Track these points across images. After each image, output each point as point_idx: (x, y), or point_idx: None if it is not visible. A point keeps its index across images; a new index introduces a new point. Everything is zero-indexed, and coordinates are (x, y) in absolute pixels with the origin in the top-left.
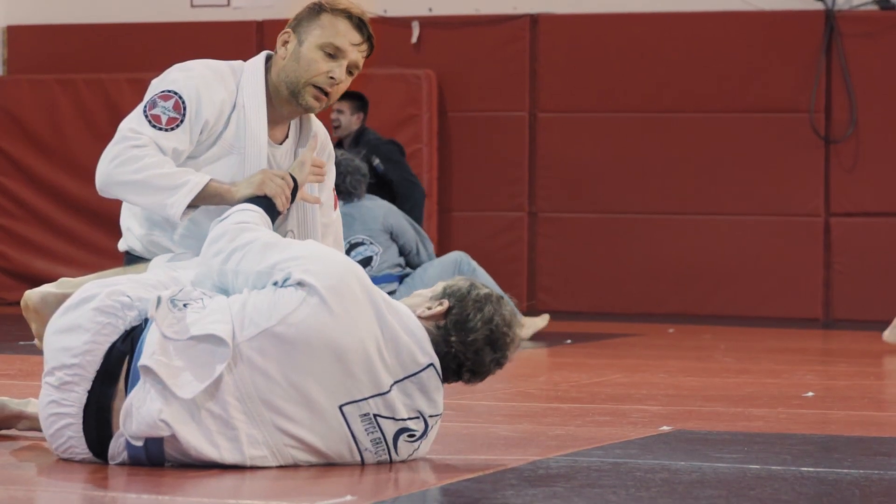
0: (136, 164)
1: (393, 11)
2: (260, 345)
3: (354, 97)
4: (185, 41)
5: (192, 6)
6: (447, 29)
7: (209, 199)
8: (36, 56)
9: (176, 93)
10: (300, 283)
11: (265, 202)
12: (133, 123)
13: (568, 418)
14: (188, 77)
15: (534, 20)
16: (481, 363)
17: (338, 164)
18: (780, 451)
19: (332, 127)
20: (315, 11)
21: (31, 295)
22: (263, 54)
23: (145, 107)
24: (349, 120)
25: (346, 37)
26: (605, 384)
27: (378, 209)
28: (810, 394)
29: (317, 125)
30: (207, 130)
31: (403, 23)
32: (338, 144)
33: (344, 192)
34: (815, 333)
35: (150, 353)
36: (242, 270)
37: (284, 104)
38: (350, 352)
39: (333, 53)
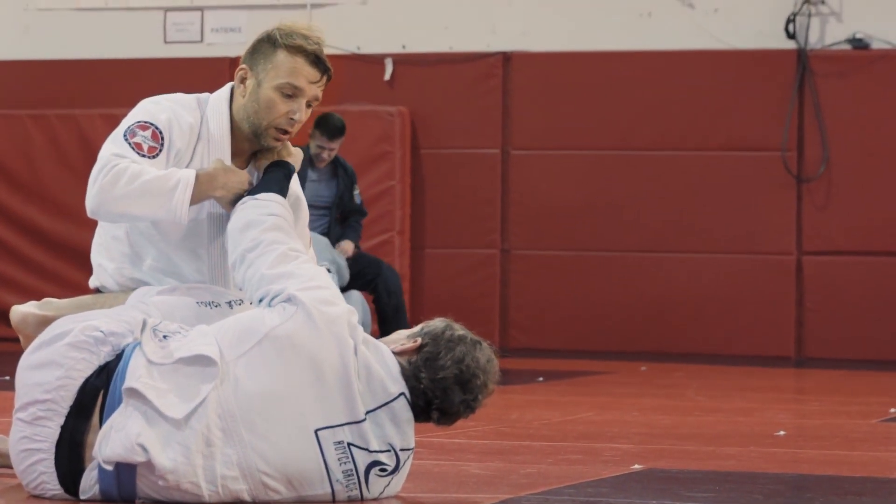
0: (125, 177)
1: (366, 48)
2: (247, 361)
3: (342, 131)
4: (158, 77)
5: (166, 42)
6: (420, 66)
7: (205, 191)
8: (9, 91)
9: (152, 123)
10: (290, 300)
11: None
12: (115, 149)
13: (540, 456)
14: (159, 109)
15: (507, 58)
16: (450, 403)
17: None
18: (751, 491)
19: (318, 159)
20: (270, 46)
21: (14, 313)
22: (228, 86)
23: (125, 134)
24: (335, 153)
25: (304, 75)
26: (577, 422)
27: (323, 240)
28: (782, 432)
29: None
30: (177, 158)
31: (377, 60)
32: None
33: None
34: (788, 372)
35: (136, 376)
36: (254, 265)
37: (245, 140)
38: (329, 371)
39: (292, 94)
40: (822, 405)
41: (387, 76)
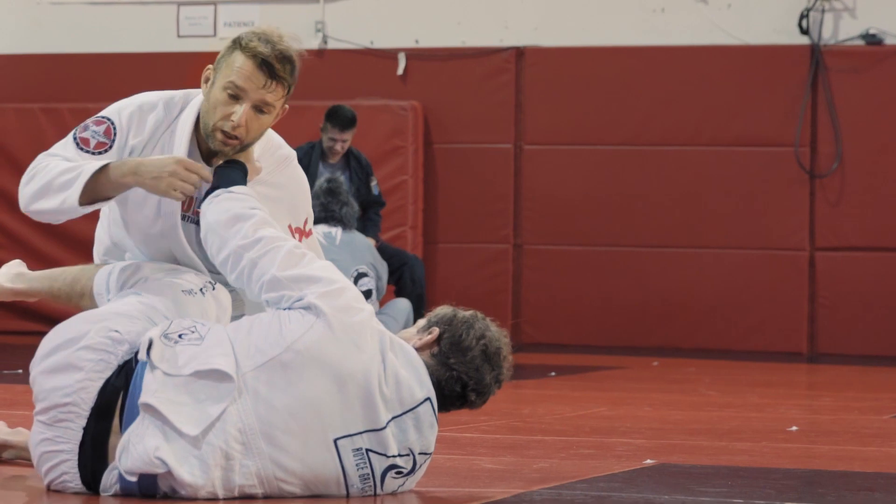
0: (39, 175)
1: (379, 43)
2: (266, 374)
3: (353, 122)
4: (170, 71)
5: (179, 36)
6: (433, 61)
7: (117, 183)
8: (22, 85)
9: (109, 119)
10: (309, 307)
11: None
12: (55, 148)
13: (552, 451)
14: (125, 106)
15: (520, 53)
16: (482, 381)
17: (338, 191)
18: (763, 486)
19: (331, 152)
20: (232, 47)
21: None
22: None
23: (76, 130)
24: (347, 145)
25: (249, 77)
26: (589, 417)
27: (366, 242)
28: (794, 428)
29: (267, 157)
30: (132, 155)
31: (390, 54)
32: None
33: (338, 219)
34: (800, 367)
35: (151, 390)
36: (260, 265)
37: (205, 141)
38: (350, 381)
39: (235, 94)
40: (834, 401)
41: (400, 71)
